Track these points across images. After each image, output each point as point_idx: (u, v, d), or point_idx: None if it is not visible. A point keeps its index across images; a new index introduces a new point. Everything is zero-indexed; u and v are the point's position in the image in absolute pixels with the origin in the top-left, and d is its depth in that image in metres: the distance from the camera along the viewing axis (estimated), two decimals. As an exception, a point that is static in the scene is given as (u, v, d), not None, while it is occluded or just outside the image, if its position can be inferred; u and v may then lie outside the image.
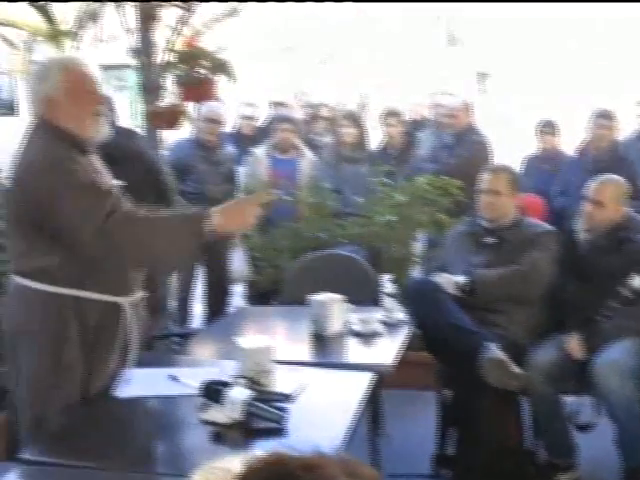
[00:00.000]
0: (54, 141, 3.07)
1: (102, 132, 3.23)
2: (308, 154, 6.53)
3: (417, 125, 8.50)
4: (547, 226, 4.61)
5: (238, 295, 6.53)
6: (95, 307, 3.07)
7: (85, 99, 3.15)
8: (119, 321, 3.14)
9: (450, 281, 4.33)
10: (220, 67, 4.40)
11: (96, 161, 3.19)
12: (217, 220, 3.02)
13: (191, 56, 4.46)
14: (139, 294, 3.26)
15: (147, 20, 4.57)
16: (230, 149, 6.52)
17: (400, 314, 4.12)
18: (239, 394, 2.69)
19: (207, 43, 5.11)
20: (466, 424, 4.21)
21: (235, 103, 7.76)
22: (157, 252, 3.09)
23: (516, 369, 3.92)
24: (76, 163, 3.04)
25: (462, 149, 6.66)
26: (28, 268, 3.07)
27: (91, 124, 3.17)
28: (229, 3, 6.30)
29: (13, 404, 3.26)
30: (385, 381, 3.63)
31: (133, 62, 4.96)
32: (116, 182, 3.22)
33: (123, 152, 4.14)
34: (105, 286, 3.09)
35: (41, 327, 3.04)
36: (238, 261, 5.88)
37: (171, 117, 4.42)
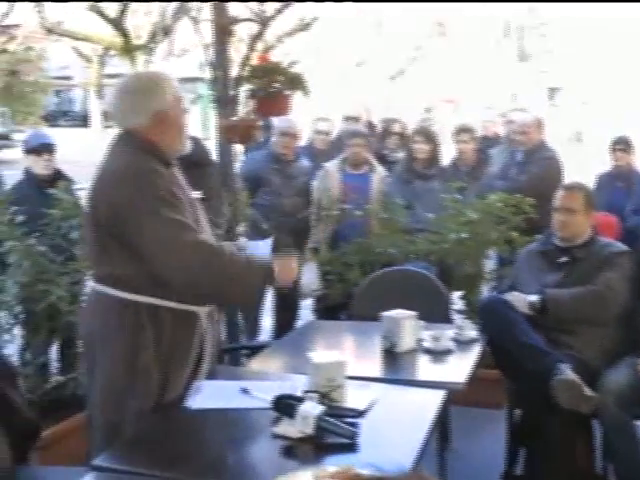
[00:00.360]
0: (139, 153, 3.13)
1: (188, 146, 3.32)
2: (379, 169, 6.52)
3: (489, 142, 8.46)
4: (621, 245, 4.54)
5: (306, 308, 6.55)
6: (171, 315, 3.11)
7: (183, 114, 3.27)
8: (195, 330, 3.18)
9: (522, 299, 4.29)
10: (295, 81, 4.42)
11: (178, 174, 3.24)
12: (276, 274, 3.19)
13: (266, 70, 4.49)
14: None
15: (222, 34, 4.61)
16: (305, 163, 6.55)
17: (472, 332, 4.09)
18: (311, 409, 2.69)
19: (280, 57, 5.15)
20: (535, 444, 4.16)
21: (308, 117, 7.80)
22: (227, 291, 3.17)
23: (588, 391, 3.86)
24: (160, 176, 3.09)
25: (533, 166, 6.61)
26: (106, 275, 3.12)
27: (183, 138, 3.28)
28: (299, 18, 6.35)
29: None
30: (453, 397, 3.61)
31: (204, 75, 5.00)
32: (196, 194, 3.27)
33: (197, 159, 4.19)
34: (181, 295, 3.12)
35: (117, 333, 3.09)
36: (309, 275, 5.91)
37: (244, 131, 4.45)
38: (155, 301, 3.09)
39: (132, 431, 2.96)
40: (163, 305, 3.10)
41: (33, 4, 20.35)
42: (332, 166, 6.49)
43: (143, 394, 3.07)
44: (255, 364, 3.94)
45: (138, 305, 3.08)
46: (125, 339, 3.08)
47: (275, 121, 6.55)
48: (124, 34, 22.00)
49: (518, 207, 5.53)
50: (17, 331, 4.62)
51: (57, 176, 5.27)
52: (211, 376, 3.28)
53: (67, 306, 4.52)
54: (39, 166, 5.31)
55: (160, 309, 3.10)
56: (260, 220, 6.03)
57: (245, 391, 3.07)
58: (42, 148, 5.33)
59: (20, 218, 4.52)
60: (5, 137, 26.97)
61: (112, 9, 20.37)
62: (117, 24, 21.30)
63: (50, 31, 25.16)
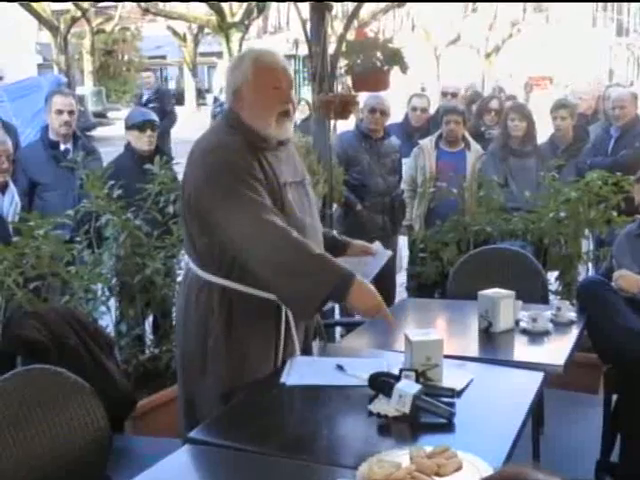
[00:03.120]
0: (229, 133, 3.10)
1: (286, 133, 3.20)
2: (476, 146, 6.44)
3: (587, 118, 8.28)
4: None
5: (400, 286, 6.50)
6: (246, 302, 3.07)
7: (270, 96, 3.10)
8: (276, 319, 3.14)
9: (633, 279, 4.14)
10: (393, 57, 4.37)
11: (273, 157, 3.14)
12: (353, 290, 2.90)
13: (363, 45, 4.45)
14: None
15: (320, 9, 4.58)
16: (395, 140, 6.48)
17: (571, 313, 4.00)
18: (408, 387, 2.66)
19: (374, 33, 5.11)
20: (632, 431, 4.05)
21: (405, 94, 7.76)
22: (286, 284, 2.92)
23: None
24: (241, 157, 3.02)
25: (629, 141, 6.49)
26: (190, 252, 3.17)
27: (274, 123, 3.11)
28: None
29: None
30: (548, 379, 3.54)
31: (297, 53, 4.97)
32: (291, 179, 3.19)
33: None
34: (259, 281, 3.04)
35: (193, 314, 3.11)
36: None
37: (342, 107, 4.42)
38: (229, 284, 3.05)
39: (207, 411, 2.98)
40: (238, 290, 3.06)
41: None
42: (427, 143, 6.42)
43: (214, 377, 3.08)
44: (349, 341, 3.93)
45: (212, 286, 3.07)
46: (198, 321, 3.10)
47: (364, 98, 6.49)
48: (219, 12, 22.19)
49: (618, 185, 5.38)
50: (112, 303, 4.69)
51: (157, 152, 5.32)
52: (306, 352, 3.27)
53: (162, 279, 4.57)
54: (141, 142, 5.39)
55: (233, 293, 3.06)
56: (355, 201, 5.99)
57: (340, 368, 3.05)
58: (145, 124, 5.41)
59: (117, 192, 4.56)
60: (101, 115, 27.54)
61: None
62: (212, 2, 21.48)
63: (146, 11, 25.53)
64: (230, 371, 3.07)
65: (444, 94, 8.06)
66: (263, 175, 3.04)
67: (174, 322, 3.32)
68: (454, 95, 7.98)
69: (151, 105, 10.99)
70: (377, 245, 3.51)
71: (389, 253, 3.54)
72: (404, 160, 6.52)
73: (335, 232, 3.70)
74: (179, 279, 4.18)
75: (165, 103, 11.92)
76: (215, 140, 3.11)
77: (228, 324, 3.07)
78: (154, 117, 5.53)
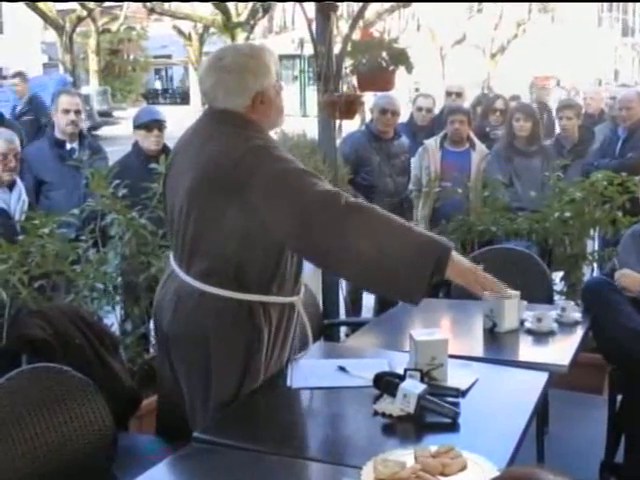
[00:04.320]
0: (251, 132, 2.93)
1: (284, 121, 3.20)
2: (480, 146, 6.43)
3: (593, 119, 8.29)
4: None
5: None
6: (277, 311, 3.01)
7: (280, 91, 3.06)
8: (295, 321, 3.12)
9: (636, 278, 4.14)
10: (398, 57, 4.37)
11: None
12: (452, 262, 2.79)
13: (369, 45, 4.46)
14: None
15: (326, 9, 4.58)
16: (405, 140, 6.47)
17: (576, 314, 3.99)
18: (413, 387, 2.66)
19: (380, 33, 5.11)
20: (635, 432, 4.05)
21: (410, 94, 7.76)
22: (383, 260, 2.70)
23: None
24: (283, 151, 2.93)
25: (636, 142, 6.46)
26: (215, 274, 2.94)
27: (282, 115, 3.10)
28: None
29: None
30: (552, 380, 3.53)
31: (302, 53, 4.98)
32: None
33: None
34: (281, 288, 3.01)
35: (233, 335, 2.94)
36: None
37: (347, 106, 4.43)
38: (264, 298, 2.95)
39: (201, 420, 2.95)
40: (270, 301, 2.97)
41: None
42: (432, 143, 6.42)
43: (250, 387, 3.00)
44: (353, 341, 3.92)
45: (252, 305, 2.93)
46: (242, 341, 2.93)
47: (372, 98, 6.48)
48: (224, 12, 22.25)
49: (624, 186, 5.38)
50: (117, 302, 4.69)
51: (165, 152, 5.30)
52: (310, 354, 3.26)
53: (167, 278, 4.56)
54: (148, 141, 5.37)
55: (268, 306, 2.97)
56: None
57: (342, 369, 3.05)
58: (152, 124, 5.39)
59: (123, 191, 4.56)
60: (107, 114, 27.58)
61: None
62: (218, 2, 21.54)
63: (151, 11, 25.59)
64: (263, 375, 3.03)
65: (448, 94, 8.05)
66: None
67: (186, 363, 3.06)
68: (459, 95, 7.97)
69: (25, 118, 9.64)
70: None
71: None
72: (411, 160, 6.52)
73: None
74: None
75: (40, 115, 9.65)
76: (246, 140, 2.87)
77: (269, 338, 3.00)
78: (162, 116, 5.51)
